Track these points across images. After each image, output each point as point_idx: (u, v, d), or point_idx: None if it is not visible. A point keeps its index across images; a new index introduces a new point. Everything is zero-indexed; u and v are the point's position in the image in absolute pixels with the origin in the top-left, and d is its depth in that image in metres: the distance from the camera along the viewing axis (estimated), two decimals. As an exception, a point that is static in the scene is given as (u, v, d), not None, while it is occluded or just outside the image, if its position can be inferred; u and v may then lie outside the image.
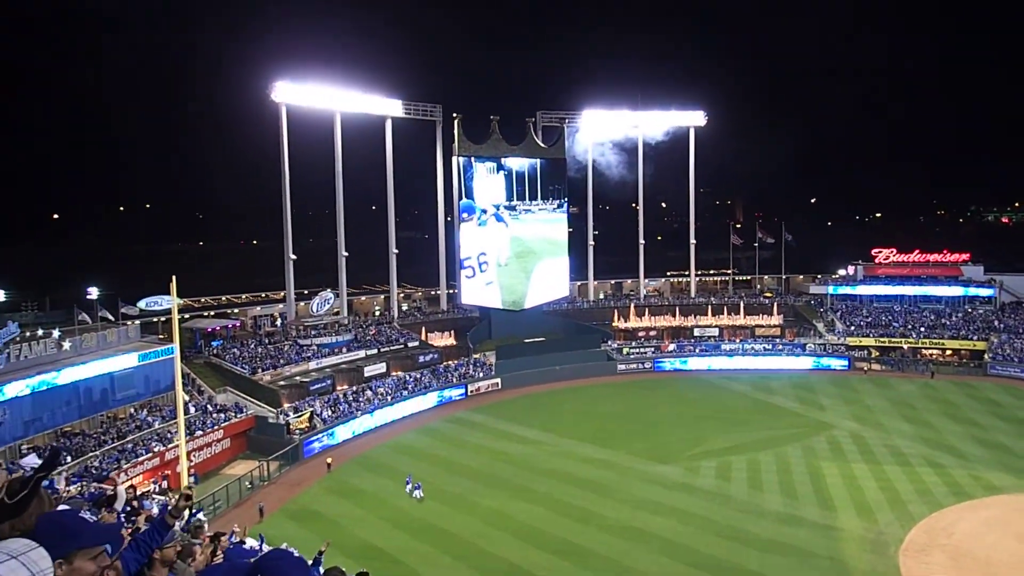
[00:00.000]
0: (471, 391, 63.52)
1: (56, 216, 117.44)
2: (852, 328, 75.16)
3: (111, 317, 50.86)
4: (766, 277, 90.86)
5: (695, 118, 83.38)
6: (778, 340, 76.19)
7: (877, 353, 72.18)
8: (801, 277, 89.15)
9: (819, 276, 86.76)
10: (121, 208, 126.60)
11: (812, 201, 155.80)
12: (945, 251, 78.59)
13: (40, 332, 46.26)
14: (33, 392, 40.38)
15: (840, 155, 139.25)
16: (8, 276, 59.73)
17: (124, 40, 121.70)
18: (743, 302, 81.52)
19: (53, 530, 3.00)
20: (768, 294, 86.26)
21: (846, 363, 71.05)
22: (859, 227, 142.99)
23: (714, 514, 37.57)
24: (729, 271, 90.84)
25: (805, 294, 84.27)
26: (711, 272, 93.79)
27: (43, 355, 43.41)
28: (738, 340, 76.56)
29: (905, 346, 72.47)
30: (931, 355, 71.60)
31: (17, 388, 39.47)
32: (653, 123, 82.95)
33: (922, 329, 73.73)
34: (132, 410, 46.73)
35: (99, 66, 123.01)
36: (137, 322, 53.04)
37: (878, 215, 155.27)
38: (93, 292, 51.29)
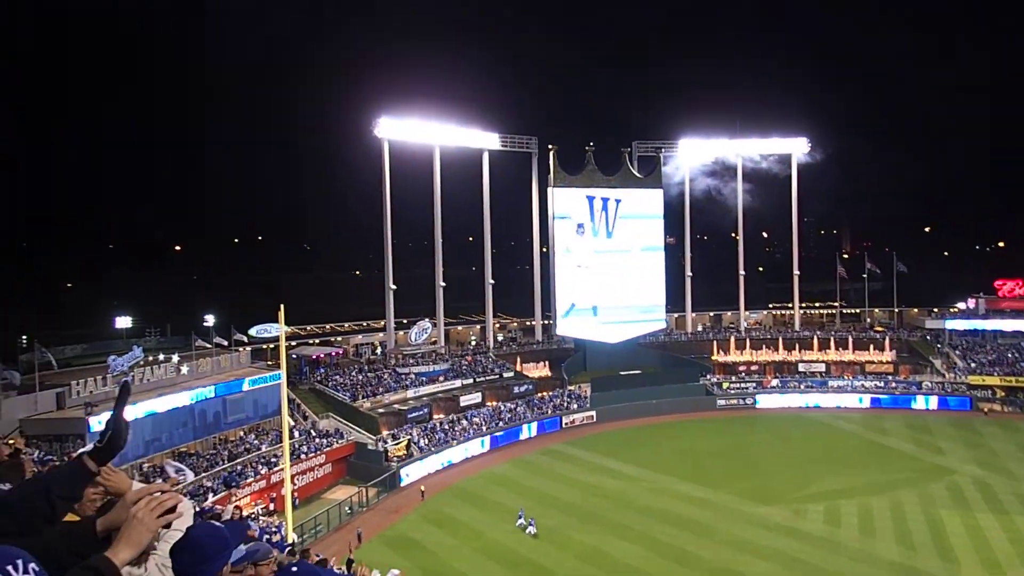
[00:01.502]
0: (565, 423, 63.05)
1: (178, 248, 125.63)
2: (974, 366, 70.16)
3: (224, 343, 53.63)
4: (876, 310, 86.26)
5: (797, 145, 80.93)
6: (891, 377, 71.98)
7: (1003, 393, 66.99)
8: (916, 311, 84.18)
9: (935, 310, 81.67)
10: (236, 240, 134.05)
11: (927, 230, 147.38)
12: (1080, 283, 72.57)
13: (161, 357, 49.34)
14: (154, 414, 42.94)
15: (958, 181, 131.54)
16: (135, 303, 64.09)
17: (235, 77, 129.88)
18: (852, 336, 77.58)
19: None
20: (879, 328, 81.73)
21: (967, 403, 66.28)
22: (980, 257, 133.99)
23: (822, 561, 35.56)
24: (836, 303, 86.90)
25: (920, 328, 79.41)
26: (816, 304, 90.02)
27: (163, 378, 46.24)
28: (847, 376, 72.80)
29: (1035, 386, 66.95)
30: (1066, 397, 65.87)
31: (140, 410, 42.06)
32: (753, 151, 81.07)
33: (1055, 368, 68.03)
34: (241, 433, 48.92)
35: (208, 100, 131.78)
36: (248, 348, 55.71)
37: (1000, 244, 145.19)
38: (209, 320, 54.29)
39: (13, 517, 2.34)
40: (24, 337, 49.76)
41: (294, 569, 3.80)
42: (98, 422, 38.95)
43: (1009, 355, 70.84)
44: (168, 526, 2.79)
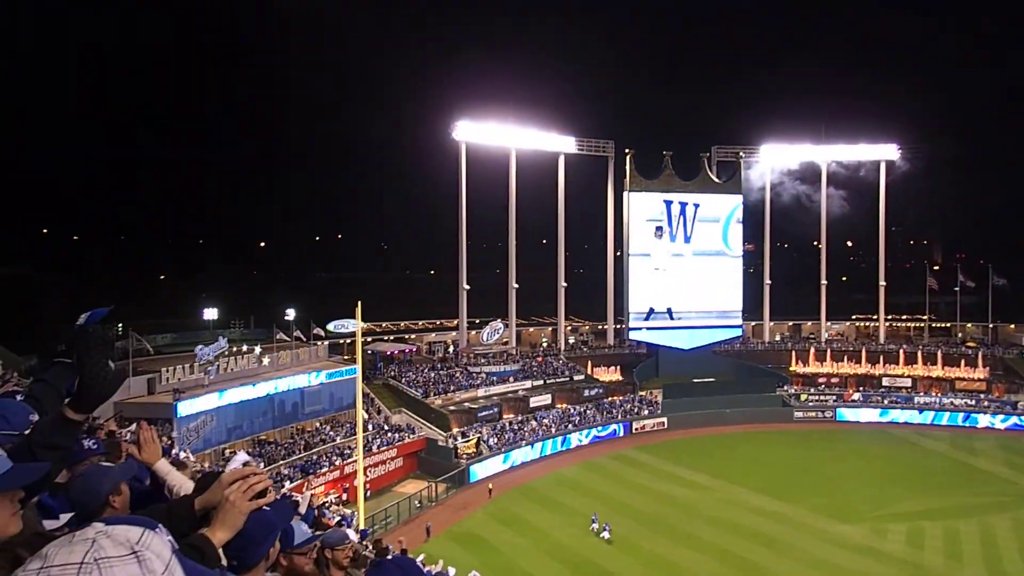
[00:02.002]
0: (635, 428, 62.36)
1: (263, 244, 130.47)
2: (1077, 387, 65.82)
3: (303, 337, 55.38)
4: (969, 325, 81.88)
5: (887, 152, 77.79)
6: (983, 396, 68.22)
7: (1109, 417, 62.61)
8: (1013, 327, 79.45)
9: (1035, 326, 76.99)
10: (317, 238, 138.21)
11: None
12: None
13: (244, 348, 51.35)
14: (236, 402, 44.74)
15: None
16: (221, 296, 66.90)
17: (318, 81, 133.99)
18: (941, 351, 73.87)
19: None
20: (971, 344, 77.52)
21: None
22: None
23: (903, 584, 34.05)
24: (925, 317, 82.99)
25: (1017, 346, 74.99)
26: (903, 317, 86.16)
27: (246, 369, 48.12)
28: (935, 393, 69.40)
29: None
30: None
31: (225, 398, 43.91)
32: (839, 157, 78.35)
33: None
34: (317, 424, 50.41)
35: (292, 103, 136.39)
36: (326, 343, 57.37)
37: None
38: (290, 314, 56.15)
39: None
40: (120, 325, 52.68)
41: (390, 559, 3.90)
42: (187, 406, 40.88)
43: (1117, 377, 66.15)
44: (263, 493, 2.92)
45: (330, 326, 57.72)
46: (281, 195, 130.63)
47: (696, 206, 72.19)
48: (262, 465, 41.90)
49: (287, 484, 39.02)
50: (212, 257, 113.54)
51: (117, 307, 3.63)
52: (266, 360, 50.03)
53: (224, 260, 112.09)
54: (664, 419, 63.56)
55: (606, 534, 39.29)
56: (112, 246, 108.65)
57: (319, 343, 56.61)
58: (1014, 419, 64.01)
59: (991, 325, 79.58)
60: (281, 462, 44.03)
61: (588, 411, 62.12)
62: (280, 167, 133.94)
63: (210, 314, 56.79)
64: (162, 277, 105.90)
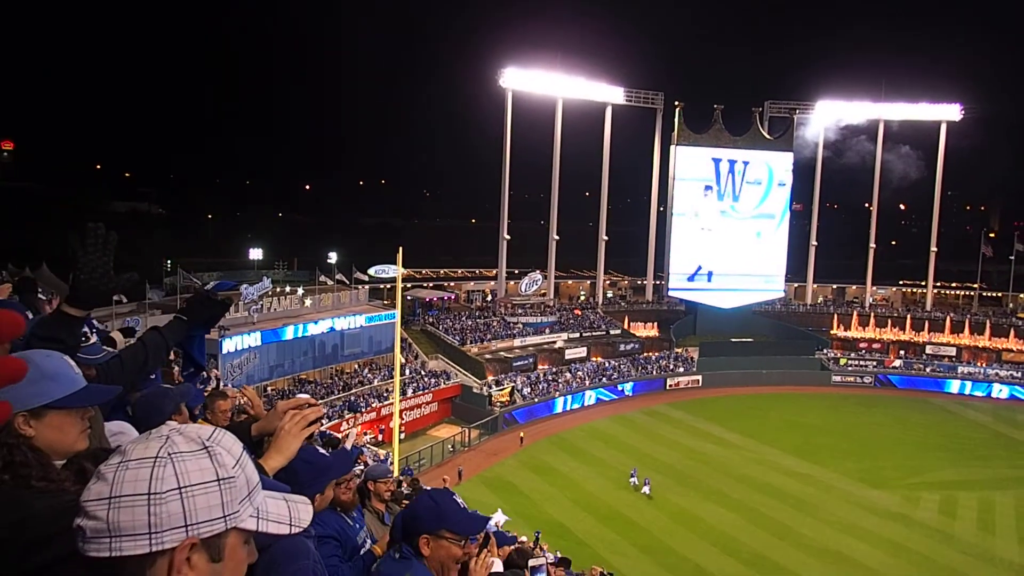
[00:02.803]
0: (670, 385, 62.44)
1: (308, 187, 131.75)
2: None
3: (346, 281, 56.26)
4: (1021, 295, 79.40)
5: (949, 112, 74.58)
6: (1031, 368, 66.51)
7: None
8: (1068, 299, 76.92)
9: (1092, 299, 74.34)
10: (360, 183, 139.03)
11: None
12: None
13: (288, 289, 52.44)
14: (279, 341, 45.92)
15: None
16: (266, 237, 68.14)
17: (368, 26, 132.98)
18: (990, 321, 71.91)
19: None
20: (1023, 315, 75.33)
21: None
22: None
23: (932, 552, 33.95)
24: (976, 285, 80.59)
25: (1071, 319, 72.62)
26: (953, 285, 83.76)
27: (289, 309, 49.24)
28: (980, 364, 67.86)
29: None
30: None
31: (267, 336, 45.07)
32: (898, 116, 75.41)
33: None
34: (356, 366, 51.55)
35: (342, 49, 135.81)
36: (366, 287, 58.23)
37: None
38: (332, 257, 56.98)
39: None
40: (168, 261, 54.13)
41: (427, 490, 4.04)
42: (231, 343, 42.11)
43: None
44: (311, 436, 3.07)
45: (371, 270, 58.47)
46: (328, 140, 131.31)
47: (745, 163, 70.58)
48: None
49: (325, 423, 40.22)
50: (258, 198, 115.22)
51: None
52: (308, 302, 51.08)
53: (270, 201, 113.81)
54: (699, 377, 63.46)
55: (647, 489, 39.44)
56: (162, 182, 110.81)
57: (360, 287, 57.48)
58: (1061, 393, 62.40)
59: (1045, 296, 77.10)
60: (320, 402, 45.19)
61: (623, 365, 62.31)
62: (329, 112, 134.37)
63: (255, 254, 57.98)
64: (209, 216, 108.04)
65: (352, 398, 47.30)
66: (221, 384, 35.84)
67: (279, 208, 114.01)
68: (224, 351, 41.55)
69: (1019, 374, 65.51)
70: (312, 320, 48.94)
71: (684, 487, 40.87)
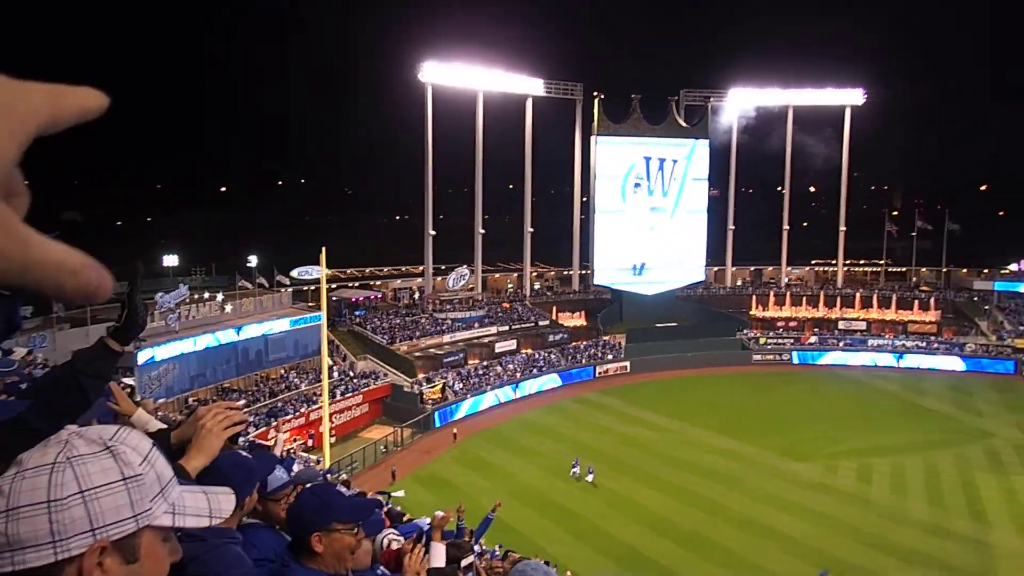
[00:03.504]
0: (599, 372, 63.45)
1: (223, 188, 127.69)
2: (1022, 329, 68.36)
3: (267, 284, 54.86)
4: (923, 270, 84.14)
5: (853, 96, 78.13)
6: (934, 338, 70.59)
7: (1051, 358, 65.33)
8: (965, 271, 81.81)
9: (985, 271, 79.35)
10: (279, 182, 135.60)
11: (982, 188, 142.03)
12: None
13: (206, 295, 50.73)
14: (198, 349, 44.41)
15: (1017, 140, 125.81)
16: (180, 243, 65.67)
17: (279, 19, 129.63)
18: (896, 295, 75.94)
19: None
20: (925, 288, 79.77)
21: (1012, 367, 64.85)
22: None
23: (851, 517, 35.66)
24: (882, 261, 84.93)
25: (968, 290, 77.33)
26: (861, 262, 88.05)
27: (208, 316, 47.65)
28: (888, 336, 71.60)
29: (1086, 352, 65.16)
30: (1118, 364, 64.00)
31: (186, 346, 43.52)
32: (806, 101, 78.49)
33: (1108, 334, 65.95)
34: (282, 371, 50.38)
35: (253, 41, 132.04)
36: (290, 289, 56.92)
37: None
38: (252, 260, 55.44)
39: (46, 405, 2.48)
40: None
41: (307, 488, 3.92)
42: (147, 355, 40.47)
43: (1061, 319, 68.81)
44: (235, 438, 3.01)
45: (294, 272, 57.11)
46: (241, 139, 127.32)
47: (663, 152, 72.23)
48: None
49: (252, 431, 39.13)
50: (171, 202, 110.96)
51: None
52: (229, 307, 49.56)
53: (183, 205, 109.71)
54: (627, 363, 64.70)
55: (590, 477, 39.81)
56: (65, 189, 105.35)
57: (283, 290, 56.16)
58: (960, 360, 66.47)
59: (944, 269, 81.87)
60: (246, 410, 44.01)
61: (553, 356, 62.95)
62: (243, 110, 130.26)
63: (169, 261, 55.74)
64: (119, 223, 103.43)
65: (279, 404, 46.21)
66: (138, 397, 34.38)
67: (193, 211, 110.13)
68: (140, 362, 39.98)
69: (924, 344, 69.45)
70: (234, 326, 47.52)
71: (617, 472, 41.62)
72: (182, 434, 3.10)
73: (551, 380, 60.25)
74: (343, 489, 3.57)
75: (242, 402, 42.73)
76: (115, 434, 1.46)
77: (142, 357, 40.09)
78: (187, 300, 46.39)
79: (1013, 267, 76.74)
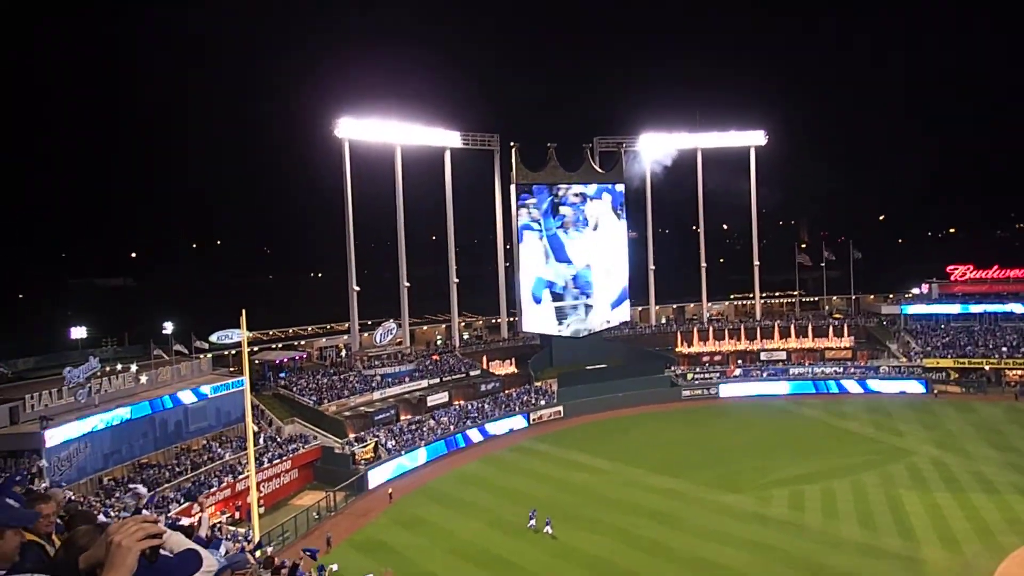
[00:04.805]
0: (533, 419, 63.17)
1: (133, 255, 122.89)
2: (929, 349, 72.08)
3: (185, 351, 52.61)
4: (835, 298, 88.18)
5: (756, 137, 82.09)
6: (849, 363, 73.59)
7: (956, 375, 68.96)
8: (872, 297, 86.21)
9: (891, 296, 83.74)
10: (193, 245, 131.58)
11: (880, 218, 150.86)
12: (1027, 266, 74.67)
13: (119, 367, 48.18)
14: (112, 425, 41.92)
15: (908, 170, 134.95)
16: (89, 313, 62.54)
17: (192, 81, 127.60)
18: (811, 324, 79.12)
19: None
20: (837, 315, 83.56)
21: (923, 386, 68.12)
22: (932, 244, 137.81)
23: (788, 545, 36.21)
24: (795, 292, 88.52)
25: (877, 315, 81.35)
26: (776, 294, 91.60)
27: (122, 389, 45.14)
28: (807, 363, 74.21)
29: (987, 367, 69.07)
30: (1016, 376, 68.02)
31: (97, 421, 41.03)
32: (713, 144, 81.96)
33: (1004, 349, 70.17)
34: (204, 442, 48.06)
35: (164, 103, 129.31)
36: (209, 355, 54.73)
37: (952, 230, 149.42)
38: (168, 327, 53.21)
39: None
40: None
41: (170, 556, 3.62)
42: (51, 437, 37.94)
43: (962, 338, 72.89)
44: (154, 552, 2.78)
45: (213, 337, 55.05)
46: (156, 200, 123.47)
47: (581, 197, 73.80)
48: (145, 490, 39.52)
49: (173, 508, 37.00)
50: (77, 271, 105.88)
51: None
52: (144, 378, 47.17)
53: (91, 274, 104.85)
54: (560, 408, 64.72)
55: (548, 529, 38.77)
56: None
57: (202, 356, 53.95)
58: (877, 382, 69.38)
59: (853, 297, 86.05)
60: (166, 485, 41.68)
61: (486, 406, 62.38)
62: (150, 171, 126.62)
63: (78, 333, 52.85)
64: (20, 296, 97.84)
65: (202, 477, 43.91)
66: (48, 482, 32.09)
67: (102, 279, 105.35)
68: (48, 444, 37.43)
69: (841, 369, 72.23)
70: (150, 398, 45.18)
71: (558, 519, 41.03)
72: (92, 557, 2.89)
73: (485, 431, 59.48)
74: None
75: (142, 516, 40.75)
76: None
77: (50, 439, 37.55)
78: (99, 373, 43.94)
79: (915, 290, 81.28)
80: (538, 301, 72.08)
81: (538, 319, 72.46)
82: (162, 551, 3.25)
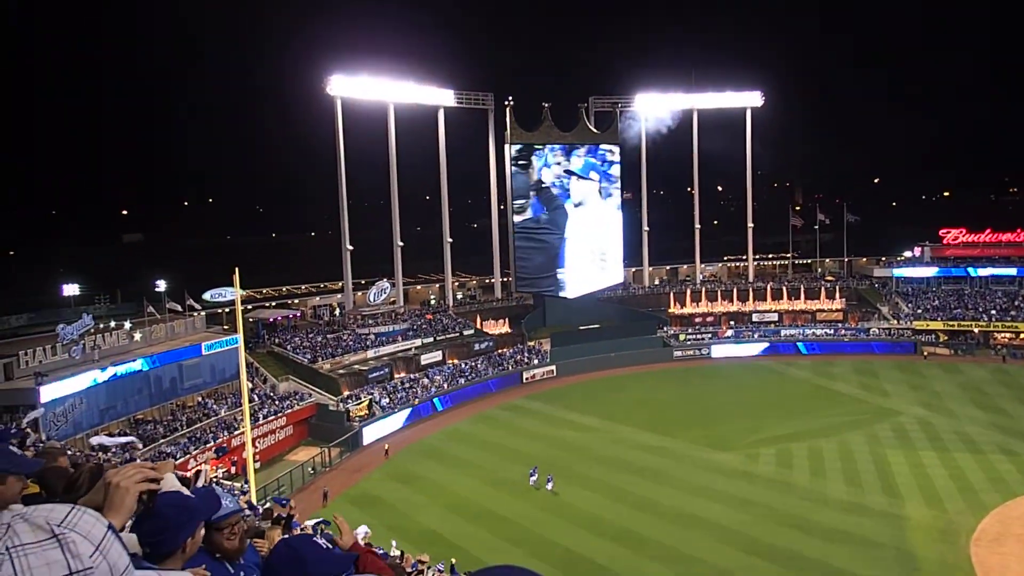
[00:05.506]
0: (526, 378, 63.77)
1: (125, 212, 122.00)
2: (919, 311, 72.69)
3: (179, 309, 52.64)
4: (827, 260, 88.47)
5: (752, 99, 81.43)
6: (840, 325, 74.22)
7: (945, 337, 69.70)
8: (864, 260, 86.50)
9: (883, 258, 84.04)
10: (185, 203, 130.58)
11: (875, 181, 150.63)
12: (1019, 230, 74.88)
13: (112, 324, 48.26)
14: (107, 381, 42.14)
15: (903, 133, 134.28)
16: (81, 271, 62.33)
17: (184, 36, 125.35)
18: (803, 286, 79.49)
19: None
20: (830, 277, 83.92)
21: (912, 348, 68.87)
22: (926, 207, 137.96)
23: (774, 502, 36.98)
24: (788, 255, 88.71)
25: (869, 277, 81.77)
26: (770, 256, 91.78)
27: (116, 346, 45.30)
28: (799, 325, 74.84)
29: (976, 330, 69.80)
30: (1004, 339, 68.78)
31: (92, 377, 41.23)
32: (708, 105, 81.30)
33: (993, 312, 70.84)
34: (199, 398, 48.44)
35: (154, 63, 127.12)
36: (203, 313, 54.81)
37: (945, 194, 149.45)
38: (161, 285, 53.14)
39: None
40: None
41: (282, 544, 3.69)
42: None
43: (952, 301, 73.49)
44: (151, 494, 2.79)
45: (207, 295, 55.12)
46: (143, 159, 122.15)
47: (576, 157, 73.35)
48: (140, 445, 39.95)
49: (173, 462, 37.41)
50: (68, 228, 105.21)
51: None
52: (138, 335, 47.30)
53: (83, 231, 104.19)
54: (553, 367, 65.29)
55: (550, 485, 39.37)
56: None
57: (196, 314, 54.03)
58: (867, 343, 70.10)
59: (846, 259, 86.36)
60: (162, 440, 42.14)
61: (479, 364, 62.87)
62: (148, 129, 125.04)
63: (70, 290, 52.77)
64: (11, 252, 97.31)
65: (198, 432, 44.37)
66: (43, 435, 32.39)
67: (94, 237, 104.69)
68: (44, 400, 37.62)
69: (831, 331, 72.88)
70: (144, 355, 45.35)
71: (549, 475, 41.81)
72: (91, 501, 2.90)
73: (479, 389, 60.11)
74: (321, 541, 3.36)
75: (140, 445, 41.09)
76: (65, 517, 1.28)
77: (45, 394, 37.76)
78: (92, 330, 44.01)
79: (907, 253, 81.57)
80: (531, 260, 72.12)
81: (531, 279, 72.66)
82: (183, 489, 3.33)
